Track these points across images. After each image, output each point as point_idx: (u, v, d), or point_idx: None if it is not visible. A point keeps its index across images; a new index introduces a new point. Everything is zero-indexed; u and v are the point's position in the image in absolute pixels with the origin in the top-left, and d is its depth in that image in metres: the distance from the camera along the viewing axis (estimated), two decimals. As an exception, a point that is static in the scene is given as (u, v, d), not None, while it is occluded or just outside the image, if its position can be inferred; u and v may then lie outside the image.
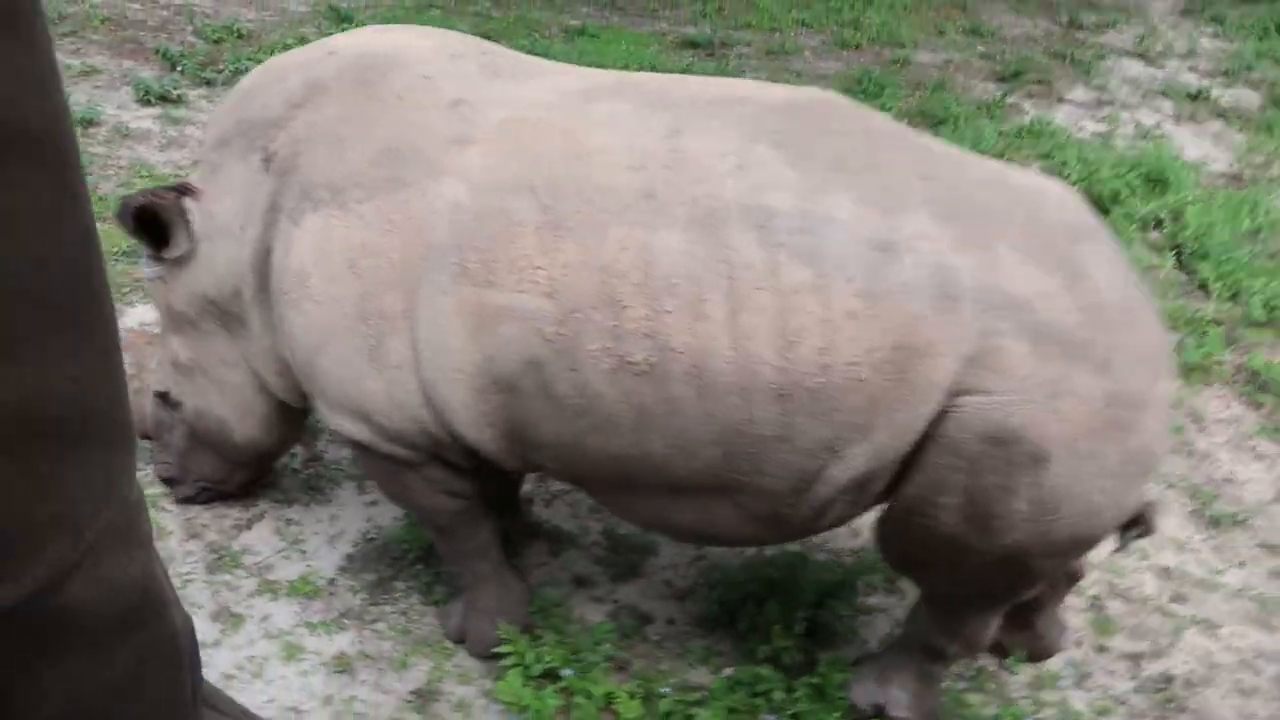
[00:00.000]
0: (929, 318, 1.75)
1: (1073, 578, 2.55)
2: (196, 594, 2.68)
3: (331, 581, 2.81)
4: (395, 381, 2.07)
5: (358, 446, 2.29)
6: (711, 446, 1.89)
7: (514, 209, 1.89)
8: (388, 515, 3.02)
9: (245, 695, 2.41)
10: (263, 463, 2.85)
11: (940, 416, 1.82)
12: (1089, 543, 2.03)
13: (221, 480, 2.85)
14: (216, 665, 2.48)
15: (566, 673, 2.48)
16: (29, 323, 0.61)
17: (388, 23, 6.43)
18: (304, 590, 2.76)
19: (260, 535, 2.93)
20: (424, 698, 2.53)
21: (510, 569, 2.69)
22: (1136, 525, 2.29)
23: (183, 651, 0.87)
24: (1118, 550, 2.41)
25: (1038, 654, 2.68)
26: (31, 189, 0.61)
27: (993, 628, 2.37)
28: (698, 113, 1.94)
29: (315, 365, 2.14)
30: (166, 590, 0.84)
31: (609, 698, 2.48)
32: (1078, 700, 2.64)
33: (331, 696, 2.51)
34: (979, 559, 1.99)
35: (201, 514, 2.95)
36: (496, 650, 2.54)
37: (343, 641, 2.64)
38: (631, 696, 2.48)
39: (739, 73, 6.53)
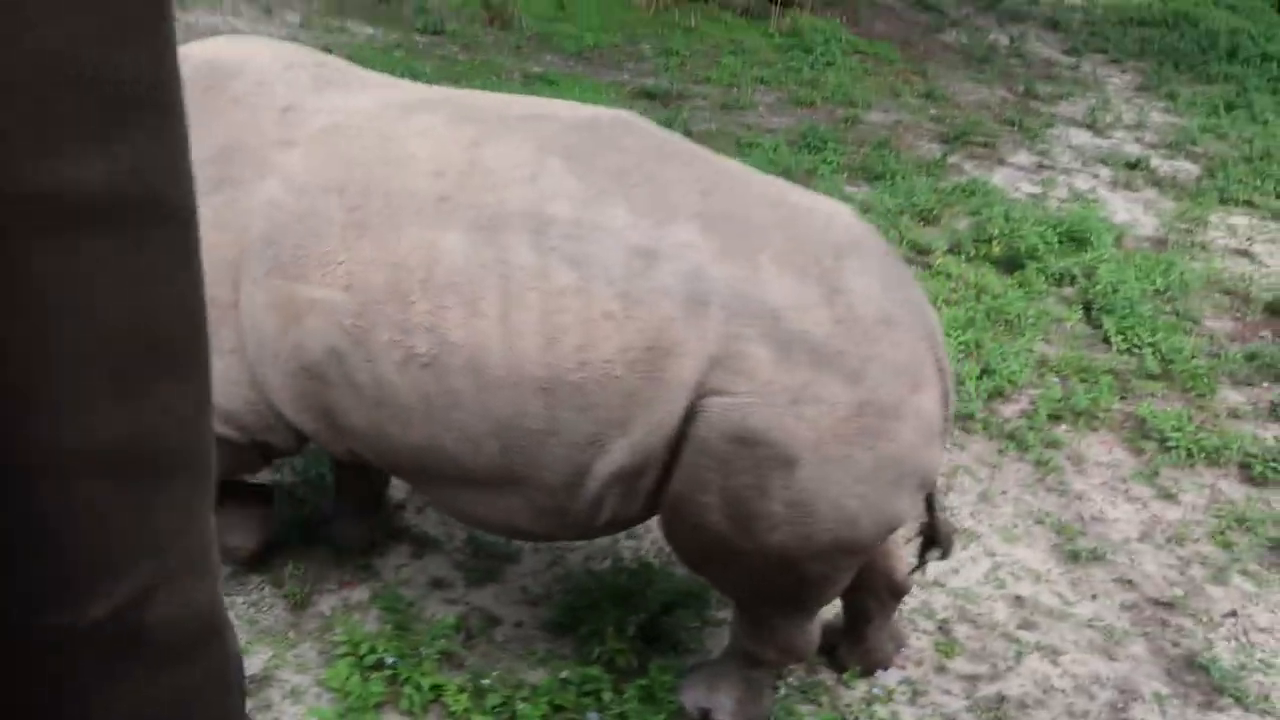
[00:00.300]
0: (679, 320, 1.89)
1: (895, 591, 2.60)
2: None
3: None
4: (229, 366, 2.19)
5: None
6: (491, 439, 2.02)
7: (324, 208, 2.04)
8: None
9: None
10: None
11: (690, 415, 1.95)
12: (854, 548, 2.11)
13: None
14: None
15: (391, 660, 2.54)
16: (147, 367, 0.67)
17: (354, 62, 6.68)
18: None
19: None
20: (258, 684, 2.59)
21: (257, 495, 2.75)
22: (933, 545, 2.38)
23: (237, 675, 0.94)
24: (915, 570, 2.50)
25: (869, 666, 2.73)
26: (160, 247, 0.67)
27: (810, 636, 2.43)
28: (503, 127, 2.09)
29: None
30: (226, 614, 0.92)
31: (437, 689, 2.53)
32: (908, 716, 2.68)
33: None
34: (749, 559, 2.11)
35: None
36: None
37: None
38: (460, 690, 2.53)
39: (690, 123, 6.76)
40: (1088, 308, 4.86)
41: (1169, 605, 3.14)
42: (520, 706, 2.50)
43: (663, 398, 1.93)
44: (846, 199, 4.61)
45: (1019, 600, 3.10)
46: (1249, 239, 6.03)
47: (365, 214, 2.01)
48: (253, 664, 2.64)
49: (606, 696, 2.55)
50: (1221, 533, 3.46)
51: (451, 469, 2.11)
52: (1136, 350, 4.49)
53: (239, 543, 2.71)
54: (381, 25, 7.89)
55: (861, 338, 1.94)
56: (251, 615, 2.77)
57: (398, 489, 3.22)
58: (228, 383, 2.20)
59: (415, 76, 5.97)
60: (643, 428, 1.95)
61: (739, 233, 1.97)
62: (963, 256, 5.18)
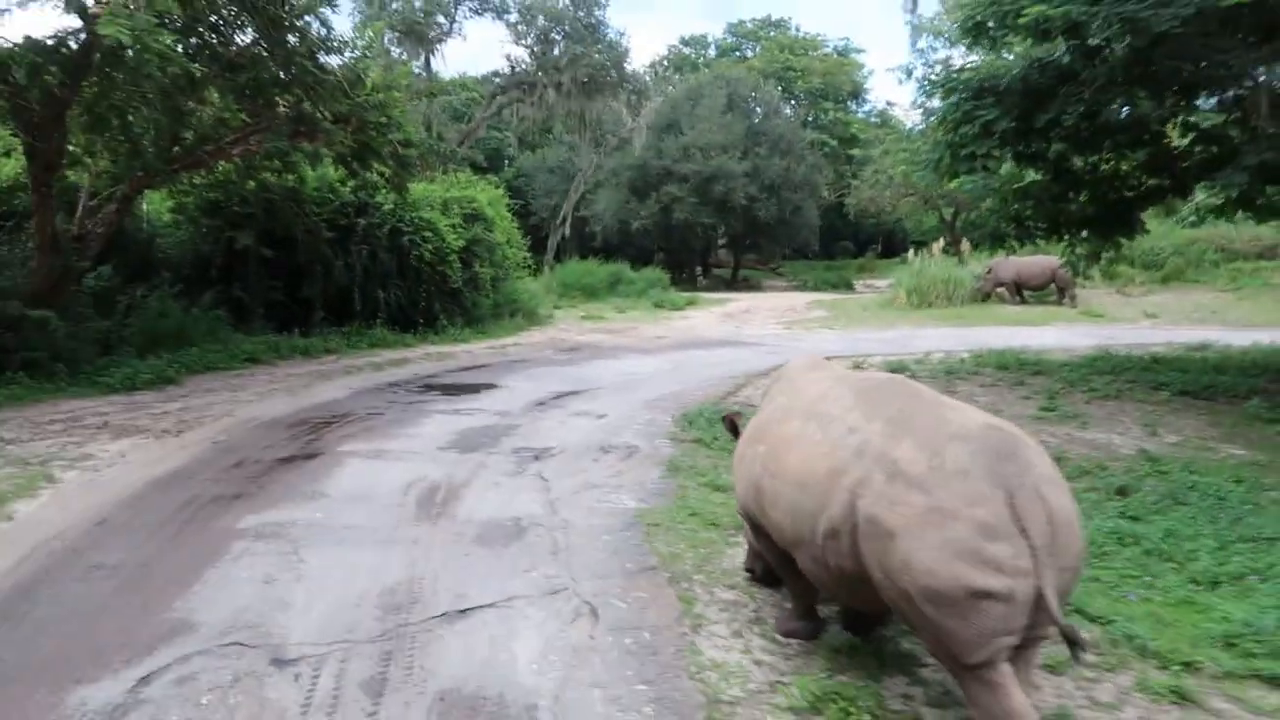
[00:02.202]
0: (851, 461, 3.51)
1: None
2: None
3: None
4: None
5: None
6: (786, 514, 3.88)
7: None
8: None
9: None
10: None
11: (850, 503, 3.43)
12: (939, 600, 3.16)
13: None
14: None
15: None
16: None
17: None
18: None
19: None
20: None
21: None
22: (1073, 645, 3.15)
23: None
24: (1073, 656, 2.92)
25: None
26: None
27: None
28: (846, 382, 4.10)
29: None
30: None
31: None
32: None
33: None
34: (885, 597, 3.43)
35: None
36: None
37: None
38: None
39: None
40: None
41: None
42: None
43: (839, 494, 3.46)
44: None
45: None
46: None
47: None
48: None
49: None
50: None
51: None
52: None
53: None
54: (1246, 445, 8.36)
55: (944, 476, 3.18)
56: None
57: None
58: None
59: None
60: (835, 509, 3.48)
61: (901, 426, 3.43)
62: None
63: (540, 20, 27.40)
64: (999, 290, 24.08)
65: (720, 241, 42.98)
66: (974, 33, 11.39)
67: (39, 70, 8.99)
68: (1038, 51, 10.96)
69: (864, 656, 4.12)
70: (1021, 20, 9.36)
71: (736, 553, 5.34)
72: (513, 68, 28.45)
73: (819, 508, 3.55)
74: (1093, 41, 9.32)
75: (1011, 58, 11.54)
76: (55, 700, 3.75)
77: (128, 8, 7.85)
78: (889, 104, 43.03)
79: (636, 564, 5.24)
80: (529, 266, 22.34)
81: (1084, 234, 13.40)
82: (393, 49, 26.23)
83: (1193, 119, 12.26)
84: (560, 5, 27.08)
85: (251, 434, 8.82)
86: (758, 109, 38.52)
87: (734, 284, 39.24)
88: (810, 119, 45.77)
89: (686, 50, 54.33)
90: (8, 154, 14.52)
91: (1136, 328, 19.82)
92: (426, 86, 22.92)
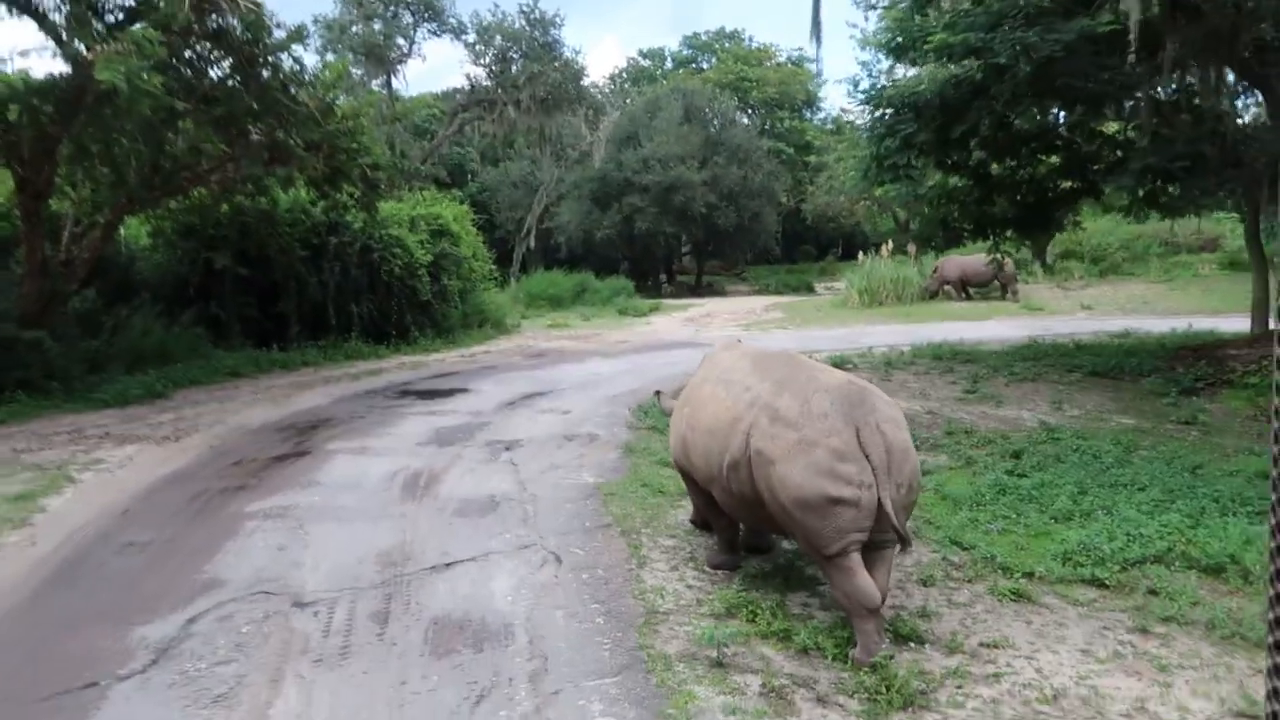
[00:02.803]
0: (745, 410, 4.61)
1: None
2: None
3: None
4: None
5: None
6: (702, 457, 4.97)
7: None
8: None
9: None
10: None
11: (746, 441, 4.43)
12: (808, 506, 4.21)
13: None
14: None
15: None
16: None
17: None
18: None
19: None
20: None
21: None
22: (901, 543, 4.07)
23: None
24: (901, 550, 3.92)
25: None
26: None
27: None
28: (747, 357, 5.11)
29: None
30: None
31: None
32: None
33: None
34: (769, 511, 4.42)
35: None
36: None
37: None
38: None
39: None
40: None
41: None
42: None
43: (738, 436, 4.43)
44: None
45: (926, 540, 4.51)
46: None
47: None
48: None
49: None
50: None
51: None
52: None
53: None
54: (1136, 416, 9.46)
55: (808, 415, 4.25)
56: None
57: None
58: None
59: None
60: (734, 446, 4.45)
61: (783, 384, 4.49)
62: None
63: (498, 40, 28.37)
64: (946, 288, 25.43)
65: (684, 249, 44.16)
66: (896, 52, 12.61)
67: (34, 110, 9.85)
68: (954, 69, 12.17)
69: (774, 579, 5.16)
70: (928, 46, 10.54)
71: (679, 512, 6.37)
72: (472, 86, 29.37)
73: (724, 448, 4.63)
74: (995, 61, 10.52)
75: (924, 73, 12.73)
76: (120, 636, 4.67)
77: (118, 54, 8.75)
78: (843, 111, 44.25)
79: (594, 523, 6.25)
80: (495, 278, 23.28)
81: (1007, 233, 14.66)
82: (354, 70, 27.11)
83: (1098, 127, 13.57)
84: (517, 25, 28.09)
85: (244, 438, 9.71)
86: (714, 120, 39.73)
87: (698, 290, 40.37)
88: (766, 127, 47.14)
89: (645, 63, 55.65)
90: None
91: (1072, 319, 21.19)
92: (391, 111, 23.79)
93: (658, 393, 6.29)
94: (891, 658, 4.09)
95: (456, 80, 69.10)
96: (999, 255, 14.97)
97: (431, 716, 3.79)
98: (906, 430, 4.28)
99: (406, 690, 4.01)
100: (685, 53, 55.80)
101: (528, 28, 28.08)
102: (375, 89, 28.33)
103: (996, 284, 24.68)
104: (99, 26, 9.74)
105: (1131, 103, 12.07)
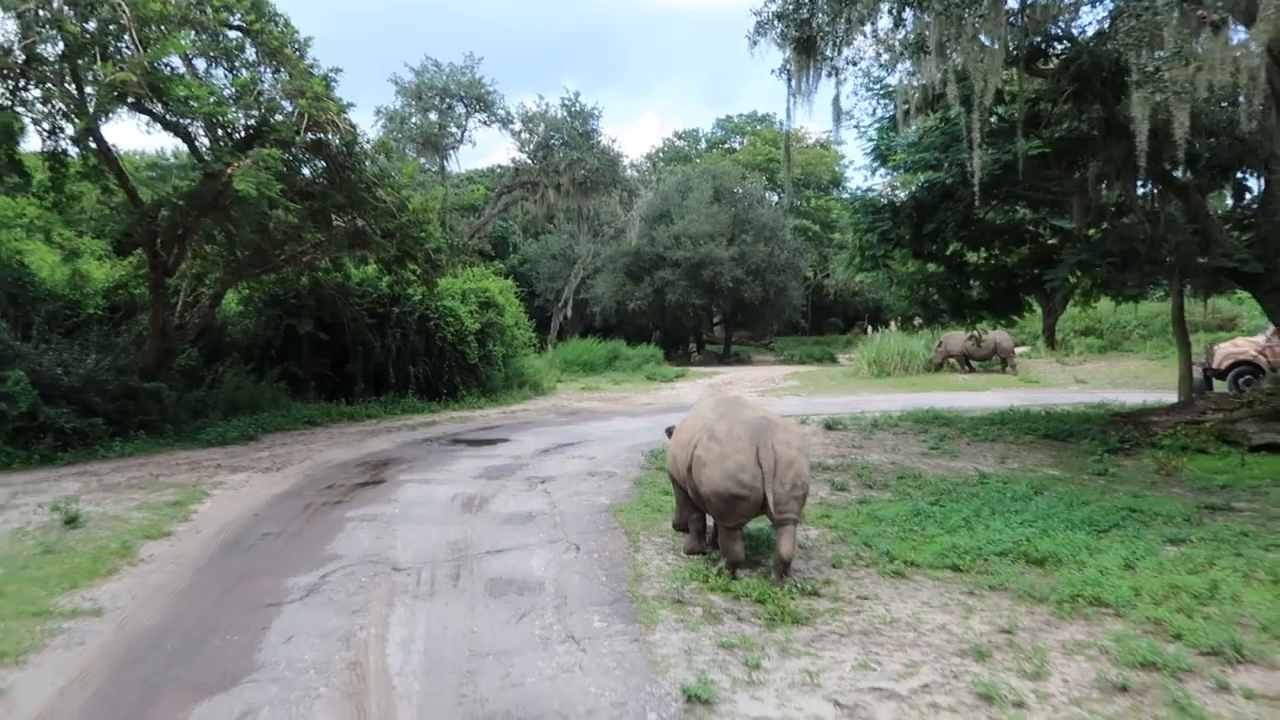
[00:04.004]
0: (700, 434, 6.87)
1: (781, 557, 6.38)
2: None
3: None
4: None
5: None
6: (680, 465, 6.80)
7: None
8: None
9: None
10: None
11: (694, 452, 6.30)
12: (724, 496, 6.35)
13: None
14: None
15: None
16: None
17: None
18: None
19: None
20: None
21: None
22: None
23: None
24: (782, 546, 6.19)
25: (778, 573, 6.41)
26: None
27: (736, 546, 6.17)
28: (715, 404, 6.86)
29: None
30: None
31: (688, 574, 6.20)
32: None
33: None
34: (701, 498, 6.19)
35: None
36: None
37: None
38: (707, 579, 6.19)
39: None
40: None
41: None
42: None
43: (692, 447, 6.53)
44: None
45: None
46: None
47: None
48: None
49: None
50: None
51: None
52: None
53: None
54: (1064, 468, 11.63)
55: (730, 438, 6.39)
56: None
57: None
58: None
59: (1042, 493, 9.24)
60: (690, 454, 6.45)
61: (723, 416, 6.75)
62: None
63: (541, 128, 31.52)
64: (950, 360, 27.48)
65: (715, 319, 46.71)
66: (877, 159, 15.08)
67: (176, 208, 12.59)
68: (924, 176, 14.59)
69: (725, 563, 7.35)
70: (890, 163, 12.97)
71: (668, 523, 8.59)
72: (516, 169, 32.48)
73: (686, 456, 6.89)
74: (943, 180, 12.88)
75: (898, 179, 15.15)
76: (279, 583, 6.99)
77: (250, 168, 11.48)
78: (869, 190, 46.81)
79: (605, 527, 8.51)
80: (534, 345, 25.85)
81: (982, 314, 16.86)
82: (410, 153, 30.31)
83: (1058, 223, 15.83)
84: (559, 116, 31.23)
85: (331, 470, 12.13)
86: (744, 199, 42.62)
87: (725, 358, 42.75)
88: (795, 205, 49.97)
89: (680, 143, 59.16)
90: (103, 259, 18.19)
91: (1064, 391, 23.11)
92: (445, 196, 26.78)
93: (669, 429, 8.54)
94: (793, 598, 6.27)
95: (500, 157, 73.73)
96: (977, 333, 17.12)
97: (490, 623, 6.04)
98: (799, 450, 6.52)
99: (475, 612, 6.27)
100: (718, 134, 59.21)
101: (569, 118, 31.19)
102: (429, 170, 31.53)
103: (996, 358, 26.68)
104: (229, 145, 12.52)
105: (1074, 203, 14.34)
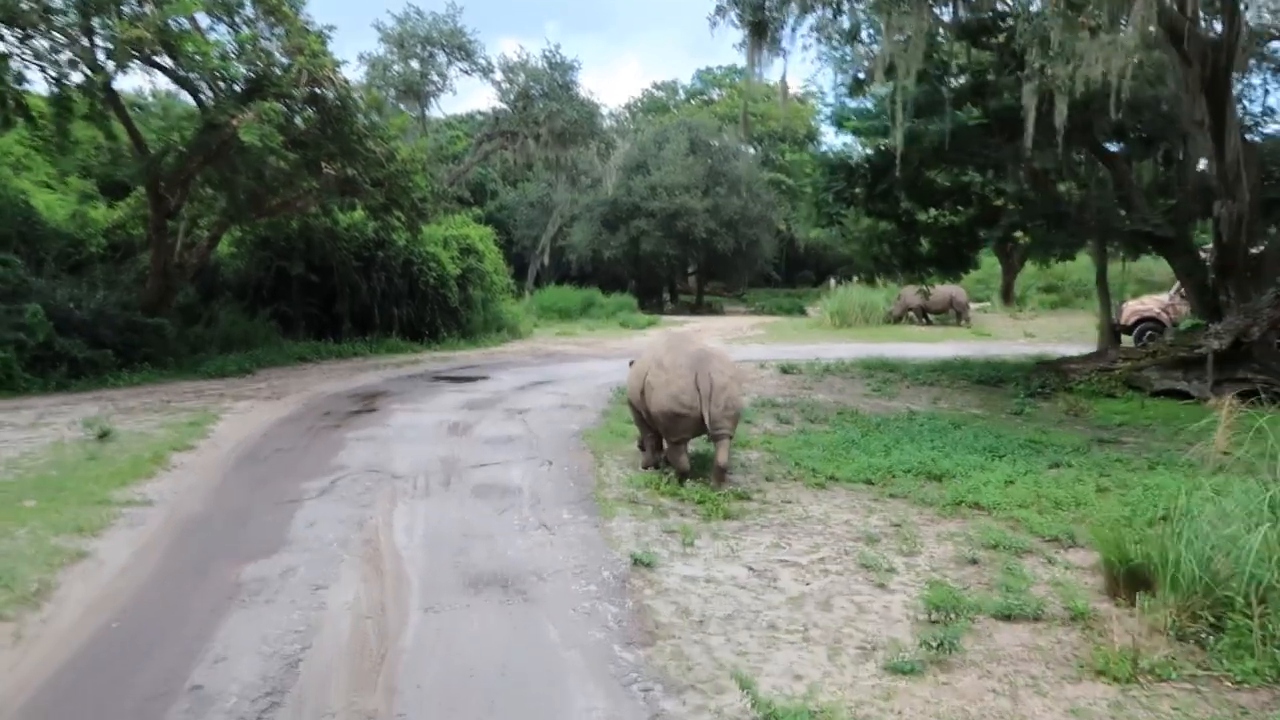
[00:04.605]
0: (651, 364, 8.28)
1: (719, 466, 7.71)
2: None
3: None
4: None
5: None
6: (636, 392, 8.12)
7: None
8: None
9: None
10: None
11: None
12: (669, 415, 7.76)
13: None
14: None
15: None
16: None
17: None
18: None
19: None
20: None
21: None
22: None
23: None
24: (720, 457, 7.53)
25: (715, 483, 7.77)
26: None
27: (682, 458, 7.52)
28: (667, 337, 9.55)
29: None
30: None
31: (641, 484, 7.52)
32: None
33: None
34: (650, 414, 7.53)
35: None
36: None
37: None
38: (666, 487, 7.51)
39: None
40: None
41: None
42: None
43: (644, 375, 7.79)
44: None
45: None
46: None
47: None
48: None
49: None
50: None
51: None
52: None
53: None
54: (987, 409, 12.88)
55: (674, 367, 7.80)
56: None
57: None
58: None
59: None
60: (643, 381, 7.78)
61: (670, 350, 8.20)
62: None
63: (522, 78, 32.19)
64: (909, 313, 28.94)
65: (689, 270, 47.86)
66: (836, 124, 16.24)
67: (181, 155, 13.56)
68: (879, 141, 15.80)
69: (673, 477, 8.72)
70: (846, 126, 14.16)
71: (628, 444, 9.92)
72: (496, 118, 33.18)
73: (640, 383, 8.18)
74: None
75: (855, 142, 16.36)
76: (296, 485, 8.26)
77: (254, 120, 12.48)
78: (845, 145, 47.83)
79: (575, 448, 9.85)
80: (512, 290, 26.96)
81: (931, 270, 18.20)
82: (392, 100, 30.97)
83: (1001, 186, 17.14)
84: (539, 66, 31.89)
85: (326, 399, 13.35)
86: (719, 152, 43.50)
87: (698, 309, 43.97)
88: (770, 159, 50.91)
89: (658, 94, 59.64)
90: (93, 199, 19.09)
91: (1012, 344, 24.59)
92: (434, 151, 27.62)
93: (631, 361, 9.79)
94: (728, 500, 7.63)
95: (479, 102, 73.72)
96: (926, 287, 18.49)
97: (477, 515, 7.35)
98: (731, 377, 7.87)
99: (464, 507, 7.59)
100: (697, 86, 59.72)
101: (549, 70, 31.87)
102: (410, 116, 32.20)
103: (951, 311, 28.16)
104: (231, 97, 13.48)
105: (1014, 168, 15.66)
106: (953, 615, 5.16)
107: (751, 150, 49.62)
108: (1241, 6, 10.41)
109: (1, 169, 16.90)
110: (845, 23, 10.85)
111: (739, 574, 6.02)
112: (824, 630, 5.09)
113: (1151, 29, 8.41)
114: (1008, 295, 33.05)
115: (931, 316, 28.97)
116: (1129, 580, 5.26)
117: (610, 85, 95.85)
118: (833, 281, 34.01)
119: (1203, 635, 4.68)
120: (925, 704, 4.22)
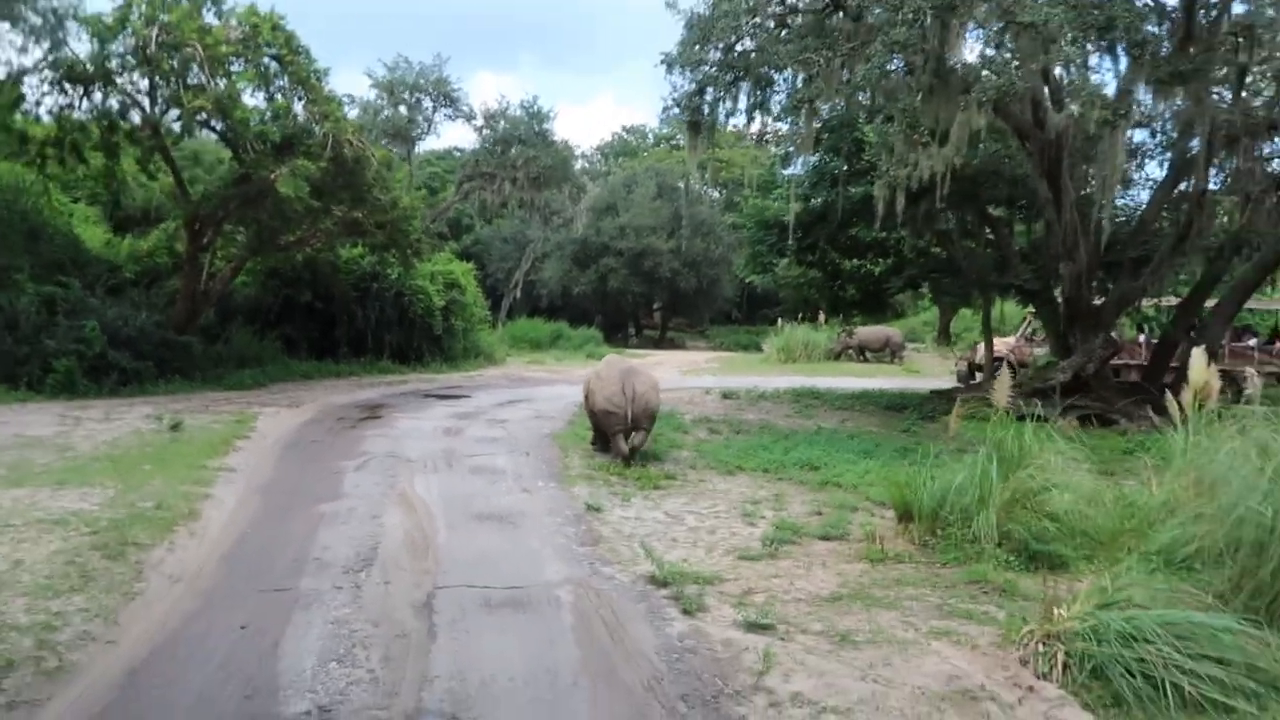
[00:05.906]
0: (590, 380, 11.01)
1: (635, 448, 10.75)
2: None
3: None
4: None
5: None
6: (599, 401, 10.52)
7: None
8: None
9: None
10: None
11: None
12: (605, 414, 11.05)
13: None
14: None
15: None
16: None
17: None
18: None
19: None
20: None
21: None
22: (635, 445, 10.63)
23: None
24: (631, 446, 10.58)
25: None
26: None
27: (619, 446, 10.55)
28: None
29: None
30: None
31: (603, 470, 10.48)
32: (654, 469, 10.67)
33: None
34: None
35: None
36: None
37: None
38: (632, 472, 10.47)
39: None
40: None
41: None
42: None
43: (588, 385, 10.91)
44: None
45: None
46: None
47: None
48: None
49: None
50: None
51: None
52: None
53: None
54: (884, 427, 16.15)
55: (608, 378, 10.97)
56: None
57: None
58: None
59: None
60: (587, 390, 10.87)
61: (608, 366, 11.63)
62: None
63: (501, 125, 35.40)
64: (848, 350, 32.26)
65: (655, 306, 51.12)
66: (765, 191, 19.49)
67: (224, 200, 16.44)
68: (810, 201, 19.06)
69: (620, 464, 11.69)
70: (775, 193, 17.35)
71: (587, 444, 12.85)
72: (476, 160, 36.33)
73: (587, 391, 11.31)
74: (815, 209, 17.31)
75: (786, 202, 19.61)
76: (335, 464, 11.10)
77: (289, 174, 15.43)
78: (765, 208, 51.50)
79: (546, 445, 12.80)
80: (489, 321, 29.88)
81: (855, 313, 21.45)
82: (383, 143, 34.00)
83: (912, 242, 20.43)
84: (517, 115, 35.16)
85: (337, 408, 16.16)
86: (685, 196, 46.99)
87: (661, 343, 47.17)
88: (734, 202, 54.54)
89: (629, 138, 63.36)
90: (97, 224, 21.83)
91: (936, 379, 27.79)
92: (423, 195, 30.75)
93: (587, 379, 12.79)
94: (658, 479, 10.58)
95: (457, 139, 77.08)
96: (849, 328, 21.69)
97: (475, 484, 10.25)
98: (648, 388, 10.96)
99: (465, 479, 10.48)
100: (665, 130, 63.49)
101: (526, 118, 35.13)
102: (398, 155, 35.23)
103: (887, 350, 31.52)
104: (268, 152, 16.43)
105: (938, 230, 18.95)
106: (790, 535, 8.17)
107: (716, 194, 53.20)
108: (1066, 100, 13.75)
109: (55, 200, 19.56)
110: (766, 118, 14.09)
111: (659, 516, 8.99)
112: (707, 543, 8.07)
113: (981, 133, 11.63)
114: (944, 335, 36.52)
115: (869, 354, 32.29)
116: (904, 516, 8.31)
117: (584, 116, 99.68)
118: (780, 321, 37.25)
119: (930, 541, 7.73)
120: (756, 573, 7.19)
